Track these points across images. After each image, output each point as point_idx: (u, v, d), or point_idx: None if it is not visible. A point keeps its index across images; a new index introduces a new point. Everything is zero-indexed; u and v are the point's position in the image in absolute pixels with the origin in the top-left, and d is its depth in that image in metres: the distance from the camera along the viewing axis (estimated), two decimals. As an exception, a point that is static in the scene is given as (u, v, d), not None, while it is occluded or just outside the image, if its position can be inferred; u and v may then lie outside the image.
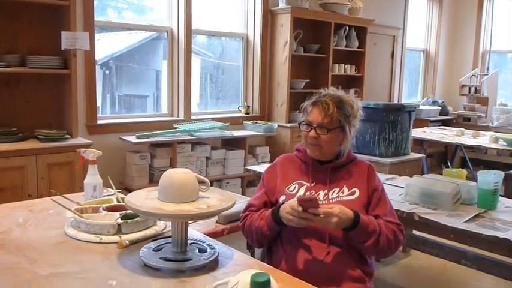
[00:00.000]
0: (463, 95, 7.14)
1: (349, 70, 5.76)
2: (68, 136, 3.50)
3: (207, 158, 4.48)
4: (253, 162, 4.76)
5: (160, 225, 1.67)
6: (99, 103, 4.28)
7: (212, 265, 1.40)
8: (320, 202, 1.66)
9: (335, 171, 1.76)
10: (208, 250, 1.47)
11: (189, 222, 1.55)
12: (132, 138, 4.02)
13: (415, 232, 3.08)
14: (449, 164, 3.45)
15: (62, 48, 3.40)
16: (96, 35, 4.07)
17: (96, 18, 3.97)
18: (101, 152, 1.95)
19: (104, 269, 1.36)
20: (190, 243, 1.51)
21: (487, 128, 6.15)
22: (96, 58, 4.11)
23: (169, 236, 1.51)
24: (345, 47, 5.66)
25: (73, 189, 3.13)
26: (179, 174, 1.42)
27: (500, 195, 2.51)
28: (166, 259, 1.40)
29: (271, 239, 1.72)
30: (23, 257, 1.42)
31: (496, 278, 3.02)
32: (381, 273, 3.22)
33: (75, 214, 1.62)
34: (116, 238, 1.54)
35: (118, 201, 1.80)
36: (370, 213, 1.69)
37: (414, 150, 4.09)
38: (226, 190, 3.93)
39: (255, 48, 5.21)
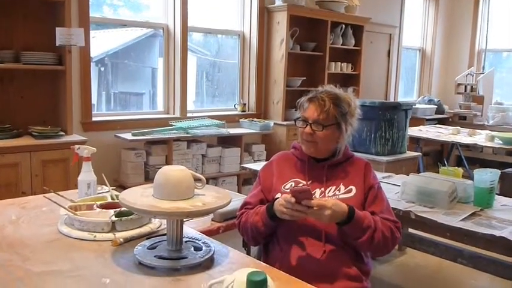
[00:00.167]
0: (458, 93, 7.16)
1: (346, 68, 5.75)
2: (62, 133, 3.48)
3: (203, 155, 4.47)
4: (249, 160, 4.75)
5: (155, 223, 1.65)
6: (94, 100, 4.26)
7: (207, 263, 1.38)
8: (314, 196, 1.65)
9: (332, 169, 1.74)
10: (204, 248, 1.45)
11: (185, 220, 1.53)
12: (128, 136, 4.00)
13: (410, 230, 3.09)
14: (445, 162, 3.45)
15: (57, 45, 3.38)
16: (92, 32, 4.05)
17: (91, 15, 3.94)
18: (95, 148, 1.93)
19: (97, 267, 1.34)
20: (186, 241, 1.49)
21: (482, 127, 6.16)
22: (92, 55, 4.08)
23: (164, 234, 1.49)
24: (342, 45, 5.65)
25: (68, 187, 3.11)
26: (174, 172, 1.40)
27: (496, 194, 2.52)
28: (161, 257, 1.38)
29: (267, 236, 1.71)
30: (16, 255, 1.40)
31: (492, 276, 3.03)
32: (376, 272, 3.22)
33: (68, 211, 1.60)
34: (110, 236, 1.52)
35: (112, 198, 1.78)
36: (367, 210, 1.68)
37: (410, 149, 4.09)
38: (222, 188, 3.92)
39: (251, 46, 5.20)
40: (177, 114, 4.60)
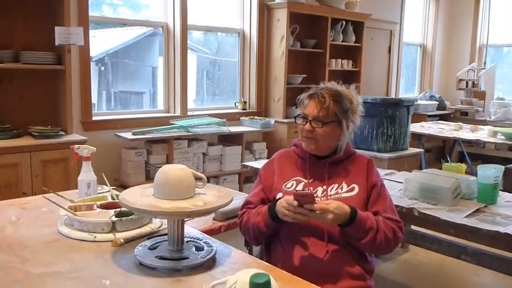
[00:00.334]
0: (460, 89, 7.13)
1: (346, 65, 5.73)
2: (62, 133, 3.46)
3: (204, 154, 4.45)
4: (250, 158, 4.73)
5: (156, 223, 1.63)
6: (94, 100, 4.24)
7: (209, 264, 1.36)
8: (318, 199, 1.63)
9: (333, 167, 1.72)
10: (205, 248, 1.43)
11: (186, 219, 1.52)
12: (128, 135, 3.98)
13: (413, 227, 3.07)
14: (448, 158, 3.43)
15: (56, 44, 3.36)
16: (92, 32, 4.03)
17: (91, 14, 3.92)
18: (95, 148, 1.91)
19: (97, 268, 1.32)
20: (187, 241, 1.47)
21: (484, 122, 6.13)
22: (92, 55, 4.07)
23: (165, 234, 1.47)
24: (342, 41, 5.62)
25: (68, 187, 3.09)
26: (175, 171, 1.38)
27: (500, 190, 2.49)
28: (162, 258, 1.36)
29: (269, 236, 1.69)
30: (15, 256, 1.39)
31: (495, 273, 3.01)
32: (379, 270, 3.20)
33: (68, 212, 1.58)
34: (110, 236, 1.51)
35: (113, 198, 1.77)
36: (370, 210, 1.66)
37: (412, 145, 4.07)
38: (223, 186, 3.90)
39: (251, 44, 5.17)
40: (178, 113, 4.58)
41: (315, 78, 5.08)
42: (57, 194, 1.77)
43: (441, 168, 2.83)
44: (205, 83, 5.19)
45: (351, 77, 5.76)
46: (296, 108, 1.75)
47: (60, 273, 1.29)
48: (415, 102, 4.36)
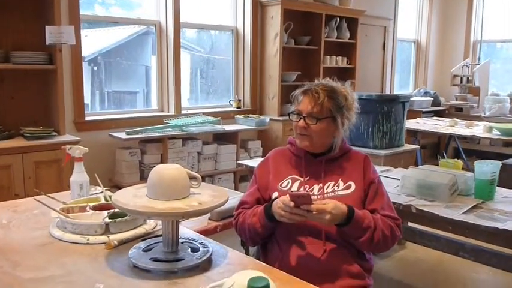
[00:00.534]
0: (454, 85, 7.13)
1: (341, 62, 5.71)
2: (55, 133, 3.42)
3: (199, 153, 4.41)
4: (245, 156, 4.70)
5: (151, 224, 1.60)
6: (88, 100, 4.20)
7: (205, 265, 1.33)
8: (314, 197, 1.60)
9: (329, 164, 1.70)
10: (201, 249, 1.40)
11: (180, 220, 1.48)
12: (122, 135, 3.94)
13: (411, 224, 3.05)
14: (445, 154, 3.41)
15: (47, 43, 3.31)
16: (84, 31, 3.99)
17: (82, 13, 3.88)
18: (87, 148, 1.87)
19: (90, 271, 1.29)
20: (182, 242, 1.44)
21: (479, 118, 6.14)
22: (84, 54, 4.02)
23: (160, 235, 1.44)
24: (336, 38, 5.60)
25: (62, 188, 3.05)
26: (169, 170, 1.35)
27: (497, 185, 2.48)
28: (156, 260, 1.33)
29: (265, 237, 1.66)
30: (5, 260, 1.35)
31: (493, 269, 3.01)
32: (377, 267, 3.18)
33: (60, 214, 1.55)
34: (103, 238, 1.48)
35: (106, 199, 1.73)
36: (367, 207, 1.64)
37: (408, 142, 4.06)
38: (219, 185, 3.87)
39: (245, 41, 5.14)
40: (172, 112, 4.55)
41: (309, 75, 5.06)
42: (49, 196, 1.73)
43: (437, 165, 2.81)
44: (199, 81, 5.16)
45: (345, 74, 5.75)
46: (291, 105, 1.72)
47: (52, 277, 1.25)
48: (410, 99, 4.36)
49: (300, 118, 1.66)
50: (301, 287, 1.25)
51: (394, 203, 2.15)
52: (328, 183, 1.66)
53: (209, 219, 2.02)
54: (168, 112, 4.57)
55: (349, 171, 1.69)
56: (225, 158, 4.52)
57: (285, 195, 1.50)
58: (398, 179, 2.59)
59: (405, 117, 3.76)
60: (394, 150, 3.62)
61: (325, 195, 1.63)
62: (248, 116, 4.88)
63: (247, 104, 5.22)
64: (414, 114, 6.07)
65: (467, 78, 6.95)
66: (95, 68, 4.41)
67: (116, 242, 1.44)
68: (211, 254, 1.39)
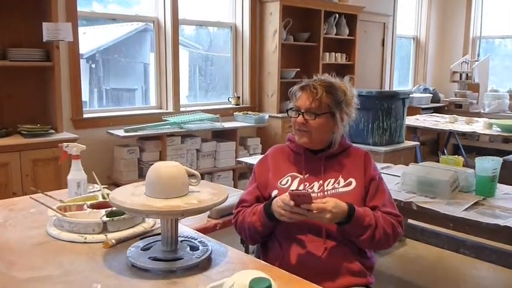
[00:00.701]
0: (454, 81, 7.11)
1: (340, 58, 5.69)
2: (52, 131, 3.40)
3: (198, 150, 4.39)
4: (244, 153, 4.68)
5: (149, 222, 1.58)
6: (86, 97, 4.18)
7: (205, 264, 1.31)
8: (314, 194, 1.59)
9: (329, 161, 1.68)
10: (201, 248, 1.38)
11: (179, 218, 1.46)
12: (120, 132, 3.92)
13: (411, 221, 3.04)
14: (445, 151, 3.40)
15: (44, 40, 3.29)
16: (82, 28, 3.96)
17: (79, 9, 3.85)
18: (84, 146, 1.85)
19: (88, 271, 1.27)
20: (181, 241, 1.42)
21: (478, 115, 6.12)
22: (82, 52, 4.00)
23: (159, 234, 1.42)
24: (335, 35, 5.58)
25: (60, 186, 3.02)
26: (167, 168, 1.33)
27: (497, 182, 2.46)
28: (155, 259, 1.31)
29: (265, 236, 1.64)
30: (0, 260, 1.32)
31: (493, 266, 2.99)
32: (377, 264, 3.13)
33: (57, 212, 1.53)
34: (101, 237, 1.45)
35: (104, 197, 1.71)
36: (368, 204, 1.62)
37: (407, 138, 4.04)
38: (218, 183, 3.85)
39: (243, 38, 5.11)
40: (170, 109, 4.52)
41: (308, 72, 4.98)
42: (46, 194, 1.71)
43: (437, 161, 2.80)
44: (197, 78, 5.13)
45: (344, 70, 5.73)
46: (289, 102, 1.70)
47: (48, 277, 1.23)
48: (409, 95, 4.34)
49: (299, 114, 1.64)
50: (303, 285, 1.23)
51: (394, 200, 2.13)
52: (329, 180, 1.64)
53: (208, 217, 2.00)
54: (167, 109, 4.55)
55: (350, 168, 1.67)
56: (224, 156, 4.50)
57: (285, 194, 1.48)
58: (399, 176, 2.57)
59: (405, 114, 3.74)
60: (394, 147, 3.61)
61: (326, 192, 1.61)
62: (247, 113, 4.86)
63: (246, 101, 5.20)
64: (413, 110, 6.05)
65: (467, 74, 6.93)
66: (93, 66, 4.39)
67: (113, 241, 1.42)
68: (211, 252, 1.37)
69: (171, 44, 4.44)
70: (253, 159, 3.02)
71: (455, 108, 6.81)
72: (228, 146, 4.53)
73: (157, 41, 4.52)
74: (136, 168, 3.98)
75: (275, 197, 1.56)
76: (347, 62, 5.78)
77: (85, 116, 3.97)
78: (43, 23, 3.26)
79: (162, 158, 4.06)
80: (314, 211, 1.44)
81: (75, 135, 3.38)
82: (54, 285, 1.19)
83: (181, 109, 4.58)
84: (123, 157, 3.90)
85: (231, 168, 4.57)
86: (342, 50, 5.74)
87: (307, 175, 1.66)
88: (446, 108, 6.91)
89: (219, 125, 4.46)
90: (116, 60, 4.52)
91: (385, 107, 3.51)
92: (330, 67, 5.44)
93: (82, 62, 4.02)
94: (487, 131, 4.50)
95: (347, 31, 5.70)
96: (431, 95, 6.90)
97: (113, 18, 4.34)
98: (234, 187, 4.29)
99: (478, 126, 4.75)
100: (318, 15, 5.28)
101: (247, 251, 2.07)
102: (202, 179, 1.42)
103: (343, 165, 1.68)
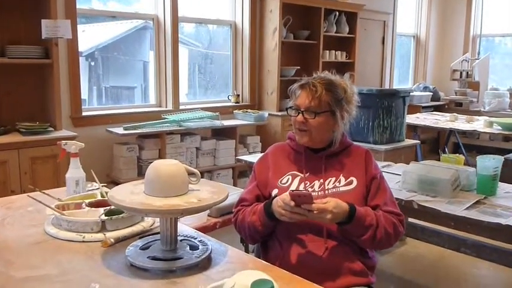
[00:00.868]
0: (454, 80, 7.09)
1: (340, 56, 5.67)
2: (51, 129, 3.38)
3: (197, 148, 4.38)
4: (244, 152, 4.66)
5: (148, 221, 1.56)
6: (85, 95, 4.16)
7: (205, 264, 1.29)
8: (315, 193, 1.57)
9: (330, 160, 1.66)
10: (200, 247, 1.37)
11: (179, 217, 1.45)
12: (119, 130, 3.90)
13: (411, 220, 3.03)
14: (446, 149, 3.39)
15: (43, 37, 3.27)
16: (81, 26, 3.94)
17: (79, 7, 3.82)
18: (83, 144, 1.83)
19: (86, 270, 1.25)
20: (181, 240, 1.40)
21: (479, 113, 6.11)
22: (82, 49, 3.98)
23: (158, 233, 1.40)
24: (335, 32, 5.56)
25: (58, 184, 3.01)
26: (167, 166, 1.31)
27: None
28: (154, 258, 1.29)
29: (265, 235, 1.62)
30: (-2, 260, 1.31)
31: (494, 265, 2.98)
32: (377, 263, 3.15)
33: (55, 211, 1.51)
34: (100, 236, 1.44)
35: (102, 196, 1.69)
36: (369, 203, 1.60)
37: (407, 137, 4.03)
38: (217, 181, 3.84)
39: (243, 36, 5.09)
40: (170, 107, 4.50)
41: (308, 70, 4.98)
42: (44, 192, 1.70)
43: (438, 160, 2.78)
44: (197, 76, 5.11)
45: (344, 69, 5.71)
46: (289, 100, 1.68)
47: (46, 276, 1.22)
48: (410, 93, 4.32)
49: (298, 113, 1.62)
50: (304, 286, 1.21)
51: (395, 198, 2.13)
52: (329, 179, 1.63)
53: (208, 215, 1.99)
54: (166, 107, 4.53)
55: (351, 167, 1.65)
56: (224, 154, 4.48)
57: (286, 194, 1.46)
58: (400, 175, 2.55)
59: (405, 112, 3.73)
60: (394, 145, 3.59)
61: (327, 191, 1.60)
62: (247, 111, 4.84)
63: (245, 99, 5.18)
64: (414, 109, 6.04)
65: (467, 72, 6.91)
66: (93, 63, 4.37)
67: (112, 240, 1.41)
68: (211, 252, 1.35)
69: (170, 41, 4.42)
70: (253, 158, 3.00)
71: (456, 107, 6.79)
72: (227, 144, 4.51)
73: (156, 38, 4.50)
74: (135, 166, 3.96)
75: (275, 196, 1.54)
76: (347, 60, 5.76)
77: (84, 114, 3.96)
78: (42, 20, 3.24)
79: (161, 156, 4.04)
80: (315, 211, 1.42)
81: (74, 133, 3.36)
82: (52, 285, 1.18)
83: (181, 107, 4.56)
84: (123, 155, 3.88)
85: (230, 166, 4.56)
86: (342, 48, 5.72)
87: (308, 174, 1.65)
88: (446, 106, 6.90)
89: (218, 123, 4.44)
90: (115, 58, 4.50)
91: (385, 105, 3.50)
92: (330, 65, 5.40)
93: (81, 59, 4.00)
94: (488, 130, 4.49)
95: (347, 29, 5.68)
96: (432, 94, 6.88)
97: (113, 16, 4.32)
98: (234, 185, 4.27)
99: (478, 124, 4.74)
100: (318, 13, 5.26)
101: (247, 250, 2.05)
102: (201, 178, 1.41)
103: (344, 164, 1.66)
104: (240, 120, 4.77)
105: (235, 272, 1.04)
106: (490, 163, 2.35)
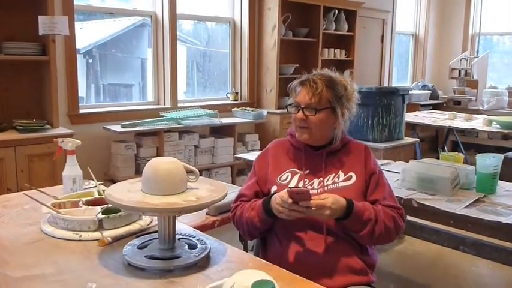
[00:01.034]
0: (453, 78, 7.08)
1: (339, 54, 5.65)
2: (48, 126, 3.36)
3: (195, 146, 4.36)
4: (242, 150, 4.65)
5: (146, 220, 1.54)
6: (83, 93, 4.13)
7: (203, 263, 1.28)
8: (314, 191, 1.56)
9: (330, 157, 1.64)
10: (199, 246, 1.35)
11: (177, 215, 1.43)
12: (117, 128, 3.88)
13: (411, 218, 3.01)
14: (445, 147, 3.38)
15: (40, 34, 3.24)
16: (79, 23, 3.91)
17: (76, 3, 3.80)
18: (79, 141, 1.81)
19: (83, 270, 1.24)
20: (179, 239, 1.39)
21: (477, 111, 6.10)
22: (79, 47, 3.95)
23: (156, 231, 1.39)
24: (335, 30, 5.54)
25: (55, 182, 2.99)
26: (165, 164, 1.30)
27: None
28: (152, 257, 1.27)
29: (264, 231, 1.61)
30: (-7, 259, 1.30)
31: (492, 263, 2.98)
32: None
33: (51, 209, 1.49)
34: (96, 235, 1.42)
35: (99, 194, 1.67)
36: (369, 198, 1.59)
37: (406, 135, 4.02)
38: (216, 179, 3.82)
39: (242, 33, 5.07)
40: (168, 105, 4.48)
41: (307, 67, 4.91)
42: (40, 191, 1.67)
43: (437, 158, 2.77)
44: (195, 74, 5.09)
45: (343, 66, 5.69)
46: (288, 98, 1.66)
47: (42, 276, 1.20)
48: (409, 92, 4.31)
49: (299, 110, 1.60)
50: (304, 285, 1.20)
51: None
52: (329, 175, 1.62)
53: (207, 214, 1.97)
54: (164, 105, 4.51)
55: (350, 163, 1.64)
56: (222, 152, 4.47)
57: (284, 191, 1.44)
58: (399, 173, 2.54)
59: (405, 110, 3.72)
60: (393, 143, 3.58)
61: (326, 187, 1.58)
62: (245, 109, 4.82)
63: (244, 97, 5.16)
64: (412, 107, 6.03)
65: (466, 71, 6.91)
66: (90, 61, 4.34)
67: (109, 239, 1.39)
68: (210, 251, 1.33)
69: (169, 39, 4.40)
70: (252, 156, 2.99)
71: (454, 105, 6.79)
72: (226, 142, 4.50)
73: (155, 36, 4.47)
74: (133, 164, 3.94)
75: (274, 193, 1.53)
76: (346, 58, 5.75)
77: (81, 111, 3.93)
78: (39, 16, 3.22)
79: (159, 154, 4.02)
80: (313, 208, 1.41)
81: (71, 131, 3.34)
82: (48, 284, 1.16)
83: (179, 105, 4.54)
84: (120, 153, 3.86)
85: (229, 164, 4.54)
86: (341, 46, 5.71)
87: (307, 171, 1.63)
88: (445, 105, 6.90)
89: (217, 120, 4.42)
90: (113, 55, 4.47)
91: (384, 103, 3.49)
92: (329, 63, 5.40)
93: (79, 56, 3.98)
94: (487, 128, 4.48)
95: (346, 27, 5.66)
96: (430, 92, 6.88)
97: (110, 13, 4.29)
98: (232, 183, 4.26)
99: (477, 123, 4.73)
100: (317, 11, 5.25)
101: (245, 248, 2.04)
102: (200, 176, 1.39)
103: (343, 161, 1.65)
104: (238, 118, 4.75)
105: (234, 271, 1.02)
106: (490, 161, 2.34)
